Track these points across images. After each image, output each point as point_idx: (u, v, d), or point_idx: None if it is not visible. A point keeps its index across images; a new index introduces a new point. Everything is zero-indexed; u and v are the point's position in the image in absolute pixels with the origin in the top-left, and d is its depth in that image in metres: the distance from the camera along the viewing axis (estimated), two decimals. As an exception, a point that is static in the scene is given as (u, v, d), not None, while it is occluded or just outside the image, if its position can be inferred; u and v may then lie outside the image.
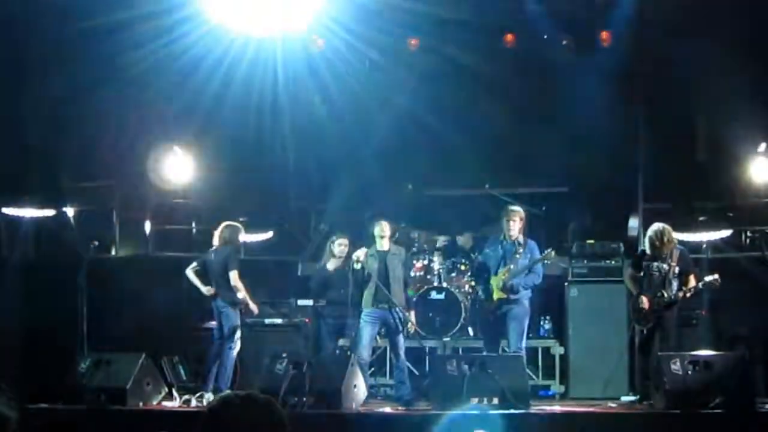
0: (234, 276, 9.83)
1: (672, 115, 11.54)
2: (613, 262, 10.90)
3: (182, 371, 10.34)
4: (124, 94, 10.88)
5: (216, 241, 10.08)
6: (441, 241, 11.94)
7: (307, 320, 10.74)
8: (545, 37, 11.56)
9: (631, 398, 9.90)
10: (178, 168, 11.62)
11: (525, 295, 9.70)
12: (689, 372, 8.49)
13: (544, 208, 12.34)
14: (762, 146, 10.99)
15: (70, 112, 10.73)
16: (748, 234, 11.39)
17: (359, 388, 8.94)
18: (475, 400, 8.44)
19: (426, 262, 11.59)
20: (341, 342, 10.35)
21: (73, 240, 11.09)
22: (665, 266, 9.46)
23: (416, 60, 11.97)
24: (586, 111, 11.12)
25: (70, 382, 9.21)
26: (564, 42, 11.49)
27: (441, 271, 11.48)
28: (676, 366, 8.52)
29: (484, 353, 9.81)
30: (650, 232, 9.58)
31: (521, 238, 9.82)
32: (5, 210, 10.87)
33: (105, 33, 10.10)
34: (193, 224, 12.25)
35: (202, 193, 12.04)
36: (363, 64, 11.64)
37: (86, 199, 11.51)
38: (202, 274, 10.03)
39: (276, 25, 9.76)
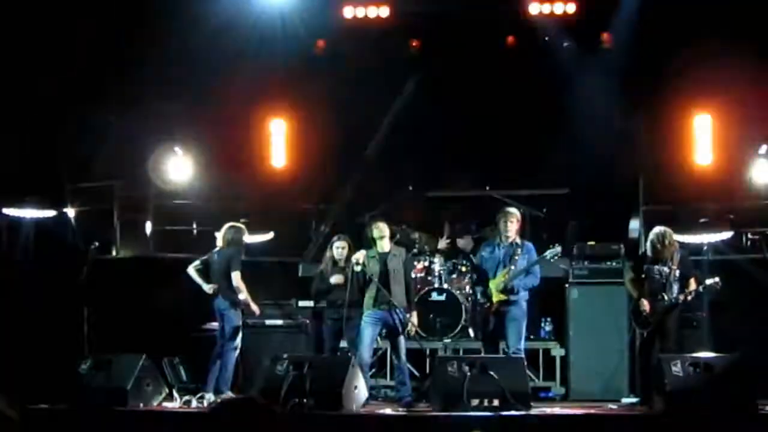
0: (236, 277, 9.82)
1: (672, 117, 11.54)
2: (613, 264, 10.86)
3: (183, 372, 10.32)
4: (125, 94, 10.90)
5: (219, 242, 10.07)
6: (442, 242, 11.94)
7: (307, 321, 10.75)
8: (546, 39, 11.57)
9: (632, 400, 9.88)
10: (178, 168, 11.62)
11: (523, 297, 9.67)
12: (690, 374, 8.48)
13: (544, 210, 12.34)
14: (763, 148, 10.98)
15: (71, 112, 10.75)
16: (749, 236, 11.36)
17: (360, 389, 8.93)
18: (475, 402, 8.45)
19: (427, 263, 11.58)
20: (342, 343, 10.34)
21: (73, 241, 11.09)
22: (666, 269, 9.45)
23: (417, 61, 11.98)
24: (587, 112, 11.12)
25: (70, 382, 9.21)
26: (565, 44, 11.49)
27: (442, 272, 11.46)
28: (676, 368, 8.51)
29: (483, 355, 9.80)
30: (652, 235, 9.57)
31: (519, 240, 9.80)
32: (6, 211, 10.87)
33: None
34: (194, 225, 12.23)
35: (203, 193, 12.03)
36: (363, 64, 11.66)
37: (87, 199, 11.51)
38: (204, 273, 10.03)
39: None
